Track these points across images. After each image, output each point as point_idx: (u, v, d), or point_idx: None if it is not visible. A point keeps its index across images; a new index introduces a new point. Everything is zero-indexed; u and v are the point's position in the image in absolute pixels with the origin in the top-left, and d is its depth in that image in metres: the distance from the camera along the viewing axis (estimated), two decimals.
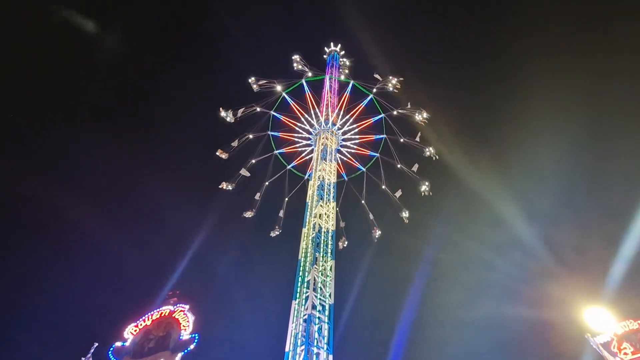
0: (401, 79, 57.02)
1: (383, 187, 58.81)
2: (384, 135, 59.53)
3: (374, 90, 58.71)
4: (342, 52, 61.81)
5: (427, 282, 70.77)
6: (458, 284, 74.44)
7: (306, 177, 59.26)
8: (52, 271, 79.54)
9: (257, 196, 58.59)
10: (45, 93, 78.17)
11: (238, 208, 61.76)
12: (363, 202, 59.04)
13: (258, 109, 56.73)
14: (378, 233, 58.17)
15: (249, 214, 58.04)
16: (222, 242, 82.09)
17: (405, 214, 57.54)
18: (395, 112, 58.21)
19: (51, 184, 76.14)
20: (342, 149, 58.35)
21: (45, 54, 76.72)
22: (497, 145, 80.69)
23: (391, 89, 57.66)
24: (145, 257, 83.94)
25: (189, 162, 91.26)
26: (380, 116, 59.40)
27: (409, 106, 56.88)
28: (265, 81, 56.00)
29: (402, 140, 57.86)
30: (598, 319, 38.18)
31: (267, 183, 59.28)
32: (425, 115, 56.12)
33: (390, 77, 57.19)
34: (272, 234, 58.38)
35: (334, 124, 56.74)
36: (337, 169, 55.62)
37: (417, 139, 57.03)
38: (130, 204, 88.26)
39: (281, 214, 58.99)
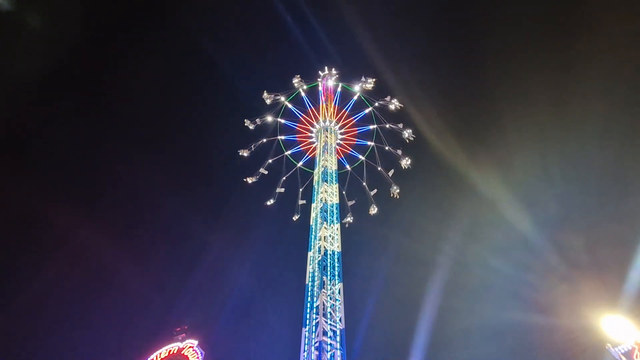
0: (401, 105, 63.97)
1: (364, 184, 65.94)
2: (372, 143, 67.26)
3: (376, 104, 64.96)
4: (335, 71, 66.09)
5: (435, 287, 69.88)
6: (465, 289, 72.90)
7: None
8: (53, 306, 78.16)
9: (279, 189, 66.08)
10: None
11: (244, 235, 63.18)
12: (344, 192, 64.66)
13: (270, 119, 66.69)
14: (350, 219, 63.10)
15: (270, 202, 65.92)
16: (231, 269, 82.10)
17: (373, 210, 63.94)
18: (387, 126, 65.18)
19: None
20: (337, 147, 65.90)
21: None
22: (500, 144, 77.36)
23: (392, 108, 63.74)
24: (151, 285, 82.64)
25: (204, 179, 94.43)
26: (372, 127, 66.65)
27: (400, 125, 64.27)
28: (274, 94, 66.30)
29: (387, 148, 65.36)
30: (617, 327, 37.16)
31: (284, 178, 66.86)
32: (410, 132, 63.50)
33: (394, 100, 63.72)
34: (294, 218, 65.07)
35: (336, 122, 65.18)
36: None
37: (399, 151, 64.47)
38: (137, 222, 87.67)
39: (300, 202, 65.43)
